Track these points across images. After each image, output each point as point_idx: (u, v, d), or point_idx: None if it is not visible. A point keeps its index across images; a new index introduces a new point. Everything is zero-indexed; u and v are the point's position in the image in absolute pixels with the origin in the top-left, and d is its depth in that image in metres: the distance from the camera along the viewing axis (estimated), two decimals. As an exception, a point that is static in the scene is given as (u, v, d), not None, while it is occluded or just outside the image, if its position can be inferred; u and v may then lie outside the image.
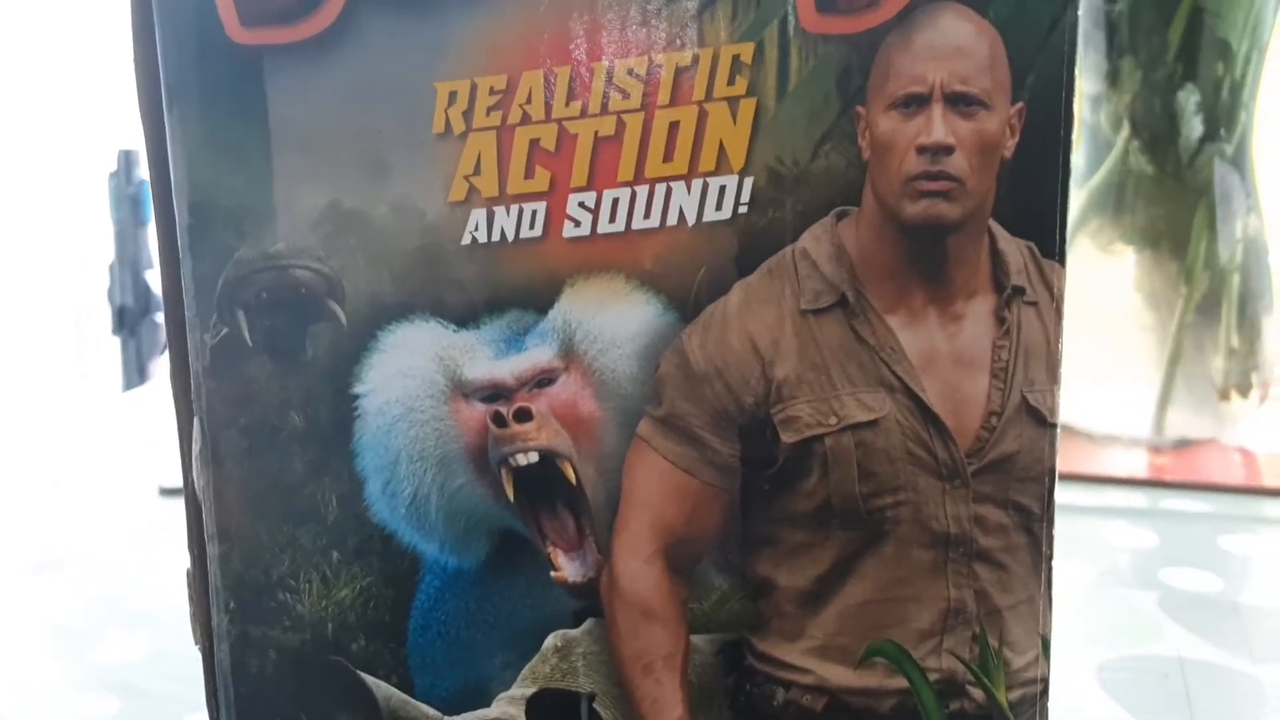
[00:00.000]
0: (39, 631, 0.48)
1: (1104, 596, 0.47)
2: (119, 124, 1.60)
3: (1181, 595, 0.47)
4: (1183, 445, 0.67)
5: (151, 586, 0.51)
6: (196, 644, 0.28)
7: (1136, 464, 0.65)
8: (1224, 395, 0.67)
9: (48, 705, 0.41)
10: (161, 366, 1.53)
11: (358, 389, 0.27)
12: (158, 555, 0.55)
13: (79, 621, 0.48)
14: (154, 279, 1.52)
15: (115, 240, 1.52)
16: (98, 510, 0.64)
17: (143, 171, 1.54)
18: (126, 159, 1.51)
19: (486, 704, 0.27)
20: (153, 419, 0.90)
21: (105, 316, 1.53)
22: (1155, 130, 0.66)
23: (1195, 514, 0.58)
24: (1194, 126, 0.66)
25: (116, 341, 1.52)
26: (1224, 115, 0.65)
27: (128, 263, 1.51)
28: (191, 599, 0.28)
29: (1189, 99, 0.66)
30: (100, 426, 0.87)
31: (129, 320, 1.49)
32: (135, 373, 1.49)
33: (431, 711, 0.27)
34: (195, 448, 0.27)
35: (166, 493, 0.66)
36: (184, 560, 0.28)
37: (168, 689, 0.41)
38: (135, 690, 0.42)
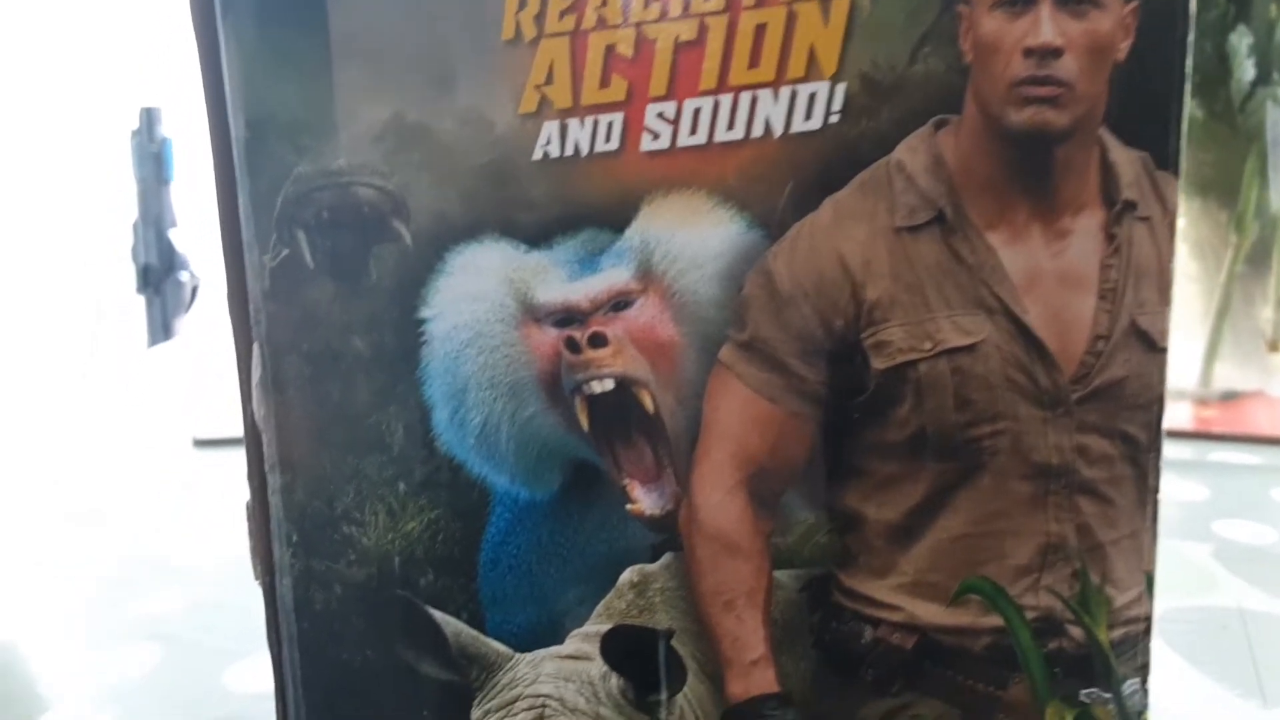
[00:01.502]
0: (81, 583, 0.47)
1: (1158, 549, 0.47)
2: (140, 81, 1.59)
3: (1236, 547, 0.47)
4: (1230, 397, 0.66)
5: (190, 537, 0.50)
6: (256, 579, 0.27)
7: (1182, 417, 0.64)
8: (1273, 347, 0.66)
9: (91, 653, 0.41)
10: (185, 325, 1.52)
11: (424, 313, 0.26)
12: (194, 505, 0.55)
13: (121, 572, 0.48)
14: (177, 237, 1.51)
15: (138, 199, 1.51)
16: (133, 463, 0.64)
17: (165, 129, 1.53)
18: (148, 116, 1.50)
19: (560, 640, 0.26)
20: (182, 373, 0.90)
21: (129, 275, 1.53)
22: (1206, 73, 0.64)
23: (1245, 466, 0.57)
24: (1246, 69, 0.64)
25: (140, 300, 1.52)
26: (1277, 58, 0.63)
27: (151, 221, 1.50)
28: (251, 532, 0.27)
29: (1241, 41, 0.64)
30: (130, 382, 0.87)
31: (153, 278, 1.49)
32: (160, 330, 1.49)
33: (503, 648, 0.26)
34: (255, 375, 0.26)
35: (201, 444, 0.66)
36: (222, 509, 0.27)
37: (208, 639, 0.41)
38: (177, 640, 0.41)
